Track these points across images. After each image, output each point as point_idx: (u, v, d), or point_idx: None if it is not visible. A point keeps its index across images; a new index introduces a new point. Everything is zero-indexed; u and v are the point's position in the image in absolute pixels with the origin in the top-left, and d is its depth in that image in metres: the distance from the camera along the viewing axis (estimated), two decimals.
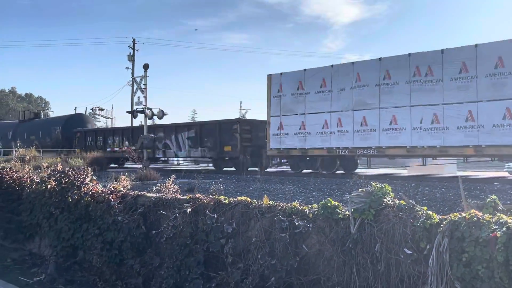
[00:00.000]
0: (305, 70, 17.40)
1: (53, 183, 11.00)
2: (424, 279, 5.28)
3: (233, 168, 21.04)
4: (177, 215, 7.98)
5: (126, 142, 25.75)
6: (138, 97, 20.89)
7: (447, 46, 14.45)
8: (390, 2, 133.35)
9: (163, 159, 24.72)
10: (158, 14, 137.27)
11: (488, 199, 5.74)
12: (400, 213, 5.76)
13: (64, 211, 10.23)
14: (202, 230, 7.55)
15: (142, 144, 20.28)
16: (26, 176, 12.86)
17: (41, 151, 22.84)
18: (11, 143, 30.69)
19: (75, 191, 10.22)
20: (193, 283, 7.33)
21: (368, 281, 5.76)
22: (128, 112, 23.39)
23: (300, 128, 17.24)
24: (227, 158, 20.73)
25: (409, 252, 5.43)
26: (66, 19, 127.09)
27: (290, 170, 19.67)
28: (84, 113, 32.55)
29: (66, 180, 10.68)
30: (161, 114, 21.87)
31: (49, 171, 12.05)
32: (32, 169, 13.80)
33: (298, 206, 6.90)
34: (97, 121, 47.10)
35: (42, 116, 39.96)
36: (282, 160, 20.13)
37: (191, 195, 8.37)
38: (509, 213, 5.41)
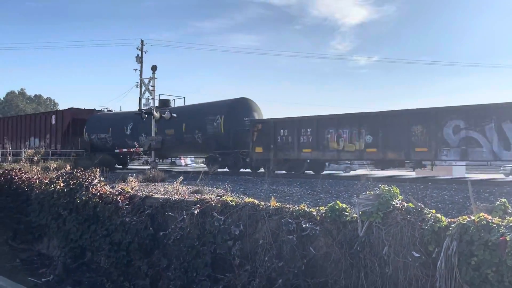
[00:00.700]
0: None
1: (62, 184, 11.07)
2: (432, 283, 5.24)
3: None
4: (185, 216, 7.98)
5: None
6: (147, 98, 20.98)
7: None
8: (398, 3, 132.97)
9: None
10: (166, 16, 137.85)
11: (498, 202, 5.69)
12: (408, 216, 5.73)
13: (72, 212, 10.28)
14: (210, 232, 7.56)
15: (150, 145, 20.35)
16: (35, 177, 12.94)
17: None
18: (131, 141, 23.75)
19: (83, 192, 10.27)
20: (201, 284, 7.33)
21: (375, 284, 5.73)
22: (136, 113, 23.45)
23: None
24: None
25: (417, 255, 5.40)
26: (75, 21, 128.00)
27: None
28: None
29: (75, 181, 10.74)
30: (169, 115, 21.94)
31: (58, 172, 12.13)
32: (40, 170, 13.88)
33: (306, 209, 6.88)
34: None
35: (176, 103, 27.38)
36: None
37: (198, 197, 8.39)
38: None
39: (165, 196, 9.07)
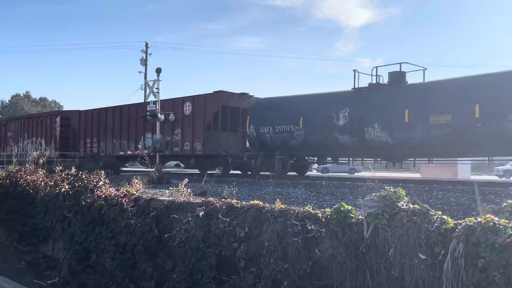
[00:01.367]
0: None
1: (67, 187, 11.10)
2: (439, 285, 5.21)
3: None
4: (190, 218, 7.98)
5: None
6: (150, 101, 20.99)
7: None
8: (403, 5, 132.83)
9: None
10: (170, 19, 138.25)
11: (504, 204, 5.66)
12: (414, 217, 5.70)
13: (77, 215, 10.30)
14: (215, 234, 7.55)
15: (155, 147, 20.33)
16: (40, 179, 12.98)
17: None
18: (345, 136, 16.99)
19: (89, 195, 10.29)
20: (206, 287, 7.32)
21: (381, 286, 5.70)
22: (141, 116, 23.47)
23: None
24: None
25: (423, 257, 5.37)
26: (80, 24, 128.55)
27: None
28: None
29: (80, 183, 10.77)
30: (174, 118, 21.96)
31: (62, 174, 12.16)
32: (45, 172, 13.92)
33: (311, 210, 6.86)
34: None
35: None
36: None
37: (203, 199, 8.39)
38: None
39: (170, 198, 9.08)
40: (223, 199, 8.28)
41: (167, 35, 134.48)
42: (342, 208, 6.42)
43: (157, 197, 9.53)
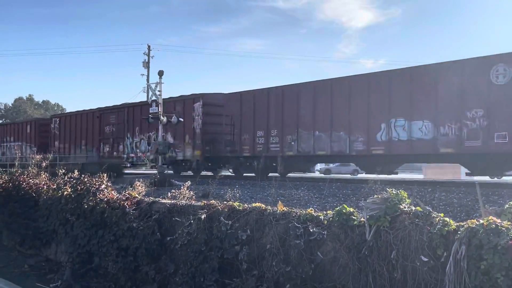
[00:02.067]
0: None
1: (69, 190, 11.11)
2: (441, 287, 5.19)
3: None
4: (192, 221, 7.98)
5: None
6: (152, 102, 20.99)
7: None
8: (404, 6, 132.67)
9: None
10: (172, 21, 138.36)
11: (507, 205, 5.63)
12: (417, 219, 5.68)
13: (80, 218, 10.31)
14: (217, 236, 7.54)
15: (157, 150, 20.32)
16: (43, 182, 12.99)
17: None
18: None
19: (91, 198, 10.30)
20: None
21: None
22: (143, 118, 23.48)
23: None
24: None
25: (425, 259, 5.35)
26: (82, 27, 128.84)
27: None
28: None
29: (82, 186, 10.78)
30: (176, 120, 21.94)
31: (65, 178, 12.17)
32: (48, 175, 13.94)
33: (313, 213, 6.85)
34: None
35: None
36: None
37: (205, 202, 8.38)
38: None
39: (172, 201, 9.08)
40: (225, 202, 8.27)
41: (170, 38, 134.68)
42: (344, 211, 6.40)
43: (159, 200, 9.53)
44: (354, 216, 6.32)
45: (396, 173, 17.83)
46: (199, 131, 22.10)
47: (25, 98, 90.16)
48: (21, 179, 13.53)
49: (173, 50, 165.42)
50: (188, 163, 22.64)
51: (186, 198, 9.24)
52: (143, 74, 49.67)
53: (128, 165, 26.92)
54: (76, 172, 12.19)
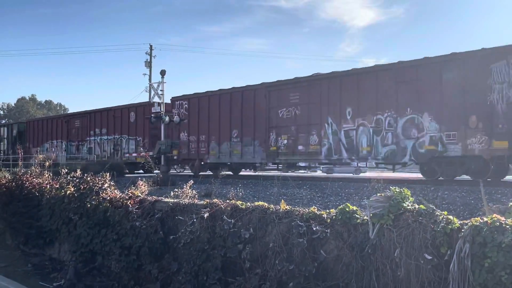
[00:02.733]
0: None
1: (72, 189, 11.12)
2: (445, 285, 5.18)
3: None
4: (195, 220, 7.98)
5: None
6: (154, 103, 21.00)
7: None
8: (406, 5, 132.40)
9: None
10: (175, 21, 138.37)
11: (511, 204, 5.62)
12: (420, 218, 5.67)
13: (83, 217, 10.32)
14: (220, 235, 7.54)
15: (160, 149, 20.34)
16: (46, 182, 13.01)
17: None
18: None
19: (94, 197, 10.31)
20: None
21: (387, 287, 5.67)
22: (146, 117, 23.50)
23: None
24: None
25: (429, 257, 5.34)
26: (85, 27, 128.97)
27: None
28: None
29: (85, 185, 10.79)
30: (178, 120, 21.95)
31: (68, 177, 12.19)
32: (51, 175, 13.96)
33: (316, 211, 6.84)
34: None
35: None
36: None
37: (208, 200, 8.38)
38: None
39: (175, 200, 9.08)
40: (227, 200, 8.27)
41: (172, 37, 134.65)
42: (347, 209, 6.40)
43: (162, 199, 9.53)
44: (357, 215, 6.32)
45: None
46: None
47: (27, 98, 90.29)
48: (24, 178, 13.55)
49: (175, 50, 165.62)
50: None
51: (188, 197, 9.24)
52: (145, 74, 49.75)
53: None
54: (78, 172, 12.21)
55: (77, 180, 11.30)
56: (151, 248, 8.52)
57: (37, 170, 14.57)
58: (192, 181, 10.17)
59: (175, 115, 22.26)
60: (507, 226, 4.90)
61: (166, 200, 9.34)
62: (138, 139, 25.65)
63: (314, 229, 6.50)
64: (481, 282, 4.85)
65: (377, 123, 15.54)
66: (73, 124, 30.56)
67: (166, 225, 8.74)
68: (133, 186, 10.98)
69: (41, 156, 17.96)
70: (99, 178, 10.97)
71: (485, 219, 5.11)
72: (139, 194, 10.06)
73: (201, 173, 21.70)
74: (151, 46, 49.97)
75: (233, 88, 20.63)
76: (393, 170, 17.04)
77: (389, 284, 5.68)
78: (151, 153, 21.82)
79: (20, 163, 17.13)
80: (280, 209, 7.24)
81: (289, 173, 23.06)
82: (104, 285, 9.31)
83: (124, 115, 26.64)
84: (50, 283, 9.67)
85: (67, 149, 30.65)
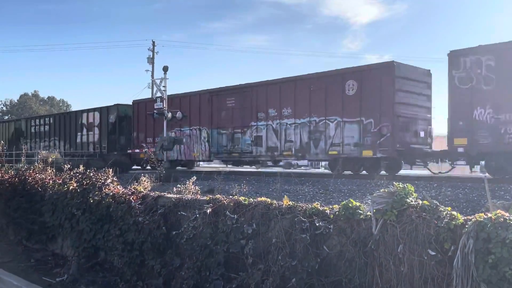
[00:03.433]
0: None
1: (75, 184, 11.14)
2: (448, 281, 5.16)
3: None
4: (197, 216, 7.98)
5: None
6: (157, 98, 20.98)
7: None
8: (410, 1, 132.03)
9: None
10: (177, 17, 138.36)
11: None
12: (424, 213, 5.65)
13: (85, 212, 10.33)
14: (222, 231, 7.54)
15: (162, 145, 20.34)
16: (49, 177, 13.03)
17: None
18: None
19: (96, 192, 10.32)
20: (214, 284, 7.32)
21: (391, 282, 5.66)
22: (148, 113, 23.51)
23: None
24: None
25: (433, 253, 5.32)
26: (87, 23, 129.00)
27: None
28: None
29: (88, 181, 10.80)
30: (181, 116, 21.95)
31: (71, 173, 12.21)
32: (54, 171, 13.98)
33: (319, 207, 6.83)
34: None
35: None
36: None
37: (211, 196, 8.37)
38: None
39: (178, 196, 9.08)
40: (230, 196, 8.26)
41: (174, 34, 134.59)
42: (350, 205, 6.38)
43: (164, 194, 9.53)
44: (361, 210, 6.30)
45: None
46: None
47: (30, 94, 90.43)
48: (27, 174, 13.59)
49: (178, 46, 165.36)
50: None
51: (191, 192, 9.24)
52: (148, 70, 49.81)
53: None
54: (81, 167, 12.23)
55: (79, 176, 11.32)
56: (154, 243, 8.53)
57: (39, 166, 14.60)
58: (195, 177, 10.16)
59: (177, 111, 22.26)
60: (511, 222, 4.88)
61: (169, 195, 9.34)
62: (365, 122, 17.26)
63: (317, 224, 6.49)
64: (485, 278, 4.83)
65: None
66: (223, 103, 22.65)
67: (169, 221, 8.74)
68: (136, 182, 10.99)
69: (43, 152, 17.81)
70: (102, 173, 10.99)
71: (489, 215, 5.09)
72: (142, 189, 10.07)
73: (203, 170, 21.76)
74: (153, 42, 50.03)
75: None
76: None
77: (392, 279, 5.67)
78: (153, 149, 21.89)
79: (23, 158, 17.07)
80: (283, 204, 7.23)
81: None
82: (106, 280, 9.33)
83: (334, 86, 18.09)
84: (53, 278, 9.69)
85: (212, 140, 22.97)
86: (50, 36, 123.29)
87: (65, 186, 11.47)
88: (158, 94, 20.21)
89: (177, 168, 25.22)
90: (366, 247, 5.91)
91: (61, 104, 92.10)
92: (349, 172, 18.17)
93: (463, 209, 8.13)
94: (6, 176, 14.46)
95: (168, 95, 19.93)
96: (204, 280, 7.47)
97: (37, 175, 13.46)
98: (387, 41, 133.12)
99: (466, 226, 5.15)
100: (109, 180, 10.72)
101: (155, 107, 19.96)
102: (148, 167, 27.12)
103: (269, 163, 25.00)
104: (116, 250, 9.22)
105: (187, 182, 9.70)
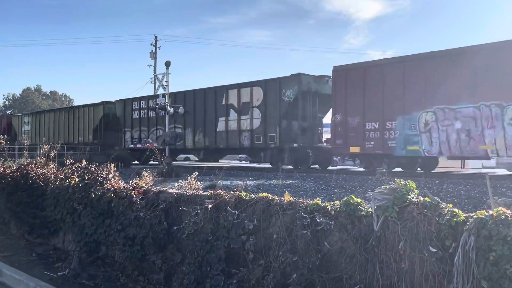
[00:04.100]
0: None
1: (77, 179, 11.15)
2: (449, 278, 5.16)
3: None
4: (198, 211, 7.98)
5: None
6: (159, 94, 20.97)
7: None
8: None
9: None
10: (179, 12, 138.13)
11: None
12: (425, 210, 5.64)
13: (87, 207, 10.34)
14: (223, 226, 7.54)
15: (164, 141, 20.36)
16: (50, 172, 13.05)
17: None
18: None
19: (98, 187, 10.33)
20: (214, 279, 7.32)
21: (391, 279, 5.66)
22: (150, 108, 23.52)
23: None
24: None
25: (433, 250, 5.31)
26: (90, 18, 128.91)
27: None
28: None
29: (89, 176, 10.81)
30: (183, 111, 21.98)
31: (73, 167, 12.21)
32: (56, 165, 13.99)
33: (320, 203, 6.82)
34: None
35: None
36: None
37: (212, 192, 8.37)
38: None
39: (179, 191, 9.08)
40: (231, 192, 8.26)
41: (177, 29, 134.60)
42: (351, 201, 6.37)
43: (166, 189, 9.54)
44: (362, 207, 6.29)
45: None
46: None
47: (33, 88, 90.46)
48: (29, 168, 13.60)
49: (180, 41, 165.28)
50: None
51: (193, 188, 9.23)
52: (150, 65, 49.84)
53: None
54: (83, 162, 12.24)
55: (81, 171, 11.33)
56: (155, 238, 8.54)
57: (41, 161, 14.61)
58: (196, 173, 10.15)
59: (180, 107, 22.25)
60: None
61: (170, 191, 9.35)
62: None
63: (318, 221, 6.48)
64: (485, 275, 4.82)
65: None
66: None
67: (170, 216, 8.75)
68: (138, 177, 10.99)
69: (46, 146, 17.80)
70: (104, 168, 10.99)
71: (491, 212, 5.08)
72: (144, 185, 10.07)
73: (204, 165, 21.74)
74: (156, 37, 50.06)
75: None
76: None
77: (392, 276, 5.67)
78: (155, 145, 21.80)
79: (25, 153, 17.07)
80: (284, 200, 7.22)
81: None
82: (108, 274, 9.35)
83: None
84: (55, 272, 9.71)
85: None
86: (53, 31, 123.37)
87: (67, 180, 11.49)
88: (161, 90, 20.17)
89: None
90: (367, 244, 5.91)
91: (63, 99, 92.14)
92: None
93: (465, 206, 8.13)
94: (8, 170, 14.48)
95: None
96: (205, 275, 7.47)
97: (39, 169, 13.47)
98: (390, 37, 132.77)
99: (468, 223, 5.14)
100: (110, 175, 10.73)
101: (157, 102, 19.98)
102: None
103: None
104: (118, 245, 9.23)
105: (189, 178, 9.66)
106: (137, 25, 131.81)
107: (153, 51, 49.98)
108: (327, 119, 23.24)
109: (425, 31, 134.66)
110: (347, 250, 6.19)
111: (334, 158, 25.24)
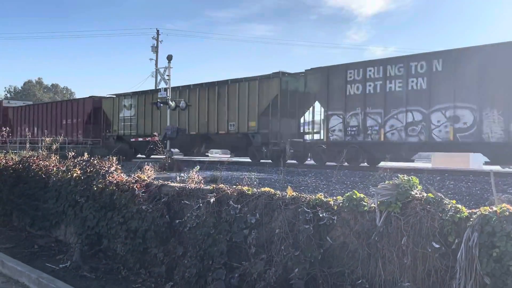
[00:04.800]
0: None
1: (79, 172, 11.16)
2: (452, 274, 5.17)
3: None
4: (201, 205, 7.98)
5: None
6: (161, 88, 20.93)
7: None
8: None
9: None
10: (181, 6, 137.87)
11: None
12: (428, 206, 5.64)
13: (89, 200, 10.36)
14: (225, 220, 7.55)
15: (165, 135, 20.34)
16: (53, 164, 13.06)
17: None
18: None
19: (100, 180, 10.34)
20: (216, 272, 7.33)
21: (393, 274, 5.67)
22: (152, 103, 23.52)
23: None
24: None
25: (437, 246, 5.32)
26: (91, 11, 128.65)
27: None
28: None
29: (91, 169, 10.82)
30: (185, 105, 21.96)
31: (75, 160, 12.22)
32: (58, 158, 14.00)
33: (323, 198, 6.82)
34: None
35: None
36: None
37: (214, 186, 8.38)
38: None
39: (181, 185, 9.08)
40: (234, 186, 8.26)
41: (179, 23, 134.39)
42: (354, 196, 6.38)
43: (168, 183, 9.55)
44: (365, 202, 6.29)
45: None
46: None
47: (34, 81, 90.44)
48: (31, 160, 13.62)
49: (182, 35, 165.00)
50: None
51: (195, 182, 9.23)
52: (152, 59, 49.77)
53: None
54: (85, 155, 12.24)
55: (83, 163, 11.33)
56: (157, 231, 8.55)
57: (43, 153, 14.62)
58: (198, 167, 10.16)
59: (181, 101, 22.23)
60: None
61: (173, 184, 9.35)
62: None
63: (320, 215, 6.49)
64: (488, 271, 4.83)
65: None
66: None
67: (172, 209, 8.76)
68: (140, 170, 10.99)
69: (48, 139, 17.80)
70: (106, 161, 11.00)
71: (494, 208, 5.08)
72: (146, 178, 10.08)
73: (206, 160, 21.77)
74: (157, 31, 50.00)
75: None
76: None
77: (395, 271, 5.68)
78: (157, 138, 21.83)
79: (27, 145, 17.06)
80: (286, 195, 7.23)
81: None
82: (109, 267, 9.37)
83: None
84: (56, 265, 9.73)
85: None
86: (55, 23, 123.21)
87: (69, 173, 11.50)
88: (162, 84, 20.17)
89: None
90: (370, 239, 5.92)
91: (64, 92, 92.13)
92: None
93: (466, 202, 8.12)
94: (10, 162, 14.51)
95: None
96: (206, 269, 7.49)
97: (41, 162, 13.49)
98: (392, 32, 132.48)
99: (471, 219, 5.14)
100: (113, 168, 10.74)
101: (159, 96, 19.94)
102: None
103: None
104: (119, 238, 9.25)
105: (191, 171, 9.66)
106: (139, 18, 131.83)
107: (155, 45, 49.94)
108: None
109: (428, 27, 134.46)
110: (349, 245, 6.20)
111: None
